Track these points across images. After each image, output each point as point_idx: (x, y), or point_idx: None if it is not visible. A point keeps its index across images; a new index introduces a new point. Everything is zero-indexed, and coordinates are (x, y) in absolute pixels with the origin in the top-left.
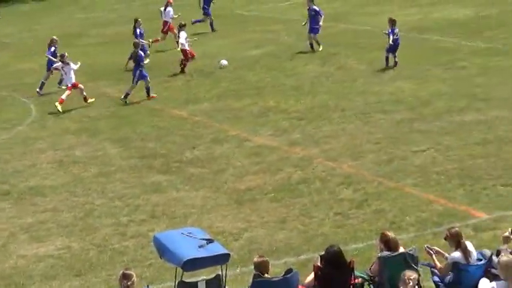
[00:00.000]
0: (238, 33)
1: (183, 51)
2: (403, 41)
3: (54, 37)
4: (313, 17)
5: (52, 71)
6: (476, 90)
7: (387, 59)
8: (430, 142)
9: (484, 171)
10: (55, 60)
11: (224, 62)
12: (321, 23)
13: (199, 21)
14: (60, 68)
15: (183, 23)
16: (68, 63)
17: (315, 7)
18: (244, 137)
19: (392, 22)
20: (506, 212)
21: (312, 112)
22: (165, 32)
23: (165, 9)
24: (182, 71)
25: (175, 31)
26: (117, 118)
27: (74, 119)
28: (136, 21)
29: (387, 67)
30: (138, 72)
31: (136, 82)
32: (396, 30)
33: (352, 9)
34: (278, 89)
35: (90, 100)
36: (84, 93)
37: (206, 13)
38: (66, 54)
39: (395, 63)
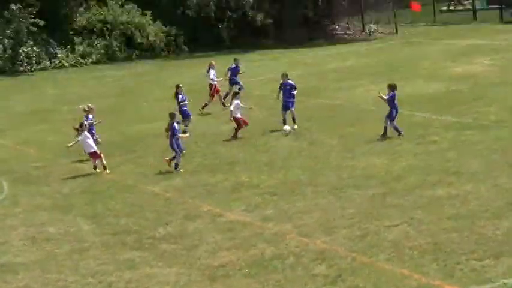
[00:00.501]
0: (210, 109)
1: (235, 119)
2: (375, 115)
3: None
4: (288, 91)
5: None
6: (448, 164)
7: (385, 128)
8: (403, 217)
9: (457, 245)
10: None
11: (287, 127)
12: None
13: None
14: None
15: (237, 90)
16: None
17: (290, 81)
18: (217, 213)
19: (393, 87)
20: (481, 287)
21: (284, 187)
22: (212, 95)
23: (208, 72)
24: (234, 137)
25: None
26: (90, 194)
27: (47, 195)
28: (178, 87)
29: (384, 137)
30: (174, 142)
31: (181, 150)
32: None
33: (325, 84)
34: (251, 164)
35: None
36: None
37: (235, 83)
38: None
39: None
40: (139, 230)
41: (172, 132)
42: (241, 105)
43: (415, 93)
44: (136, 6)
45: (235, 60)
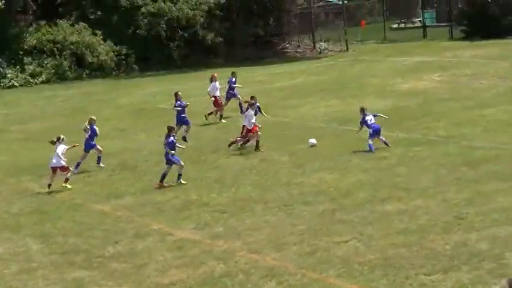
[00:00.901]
0: (160, 127)
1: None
2: (324, 132)
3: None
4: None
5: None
6: (397, 180)
7: (370, 146)
8: (353, 232)
9: (406, 260)
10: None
11: (312, 141)
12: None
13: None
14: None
15: (252, 101)
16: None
17: (257, 104)
18: (167, 231)
19: (363, 110)
20: None
21: (234, 205)
22: (220, 105)
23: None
24: (257, 148)
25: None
26: (39, 213)
27: None
28: (176, 94)
29: (372, 152)
30: (171, 157)
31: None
32: (368, 117)
33: (275, 101)
34: (201, 182)
35: None
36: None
37: (232, 95)
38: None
39: (385, 143)
40: (89, 249)
41: (171, 147)
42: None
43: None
44: (86, 25)
45: (232, 73)
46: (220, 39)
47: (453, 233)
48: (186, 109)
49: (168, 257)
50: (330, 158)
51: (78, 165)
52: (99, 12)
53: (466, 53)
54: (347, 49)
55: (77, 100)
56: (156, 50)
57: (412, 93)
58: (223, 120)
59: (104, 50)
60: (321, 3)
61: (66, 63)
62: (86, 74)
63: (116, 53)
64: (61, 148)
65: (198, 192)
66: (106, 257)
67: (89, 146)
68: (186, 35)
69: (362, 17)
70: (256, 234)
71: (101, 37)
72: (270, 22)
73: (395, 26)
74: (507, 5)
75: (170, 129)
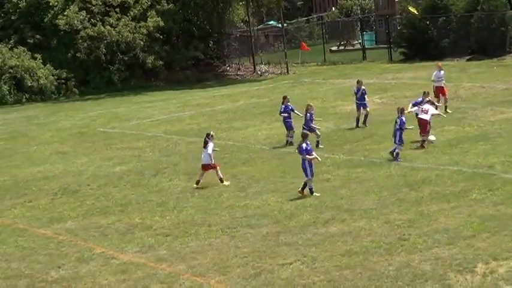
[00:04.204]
0: (101, 151)
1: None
2: (266, 154)
3: None
4: None
5: None
6: (340, 201)
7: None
8: (297, 254)
9: (350, 282)
10: None
11: (432, 137)
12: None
13: None
14: None
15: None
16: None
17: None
18: (111, 255)
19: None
20: None
21: (178, 228)
22: None
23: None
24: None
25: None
26: None
27: None
28: (285, 98)
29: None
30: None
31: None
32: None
33: (216, 124)
34: (143, 205)
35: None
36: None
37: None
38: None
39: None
40: (31, 274)
41: (305, 153)
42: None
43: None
44: (25, 49)
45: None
46: (161, 62)
47: (396, 254)
48: (292, 114)
49: (111, 280)
50: (273, 180)
51: None
52: (38, 36)
53: (406, 74)
54: (287, 71)
55: (17, 124)
56: (96, 74)
57: (354, 115)
58: None
59: (44, 73)
60: (261, 26)
61: (5, 87)
62: (26, 98)
63: (55, 77)
64: None
65: (141, 216)
66: (49, 281)
67: None
68: (126, 58)
69: (301, 39)
70: (200, 257)
71: (41, 61)
72: (210, 45)
73: (334, 48)
74: (445, 27)
75: (304, 136)
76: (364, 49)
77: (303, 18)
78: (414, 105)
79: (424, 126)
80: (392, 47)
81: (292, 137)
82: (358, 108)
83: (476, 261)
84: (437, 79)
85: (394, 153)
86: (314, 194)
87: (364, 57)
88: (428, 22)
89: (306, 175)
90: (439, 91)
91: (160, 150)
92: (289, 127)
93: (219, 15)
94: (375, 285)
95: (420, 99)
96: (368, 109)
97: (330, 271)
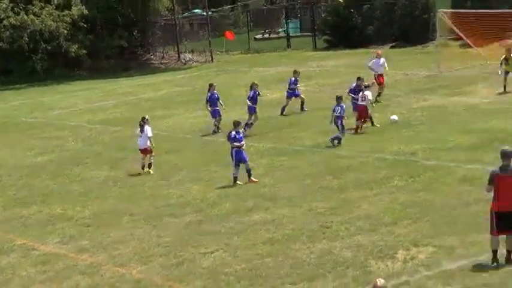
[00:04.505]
0: (23, 141)
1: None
2: (188, 144)
3: None
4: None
5: None
6: (263, 190)
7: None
8: (219, 243)
9: (272, 270)
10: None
11: (395, 117)
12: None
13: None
14: None
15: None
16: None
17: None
18: (31, 246)
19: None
20: None
21: (99, 218)
22: None
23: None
24: None
25: None
26: None
27: None
28: (211, 85)
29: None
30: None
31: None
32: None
33: (140, 113)
34: (65, 195)
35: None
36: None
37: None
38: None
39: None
40: None
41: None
42: None
43: (230, 120)
44: None
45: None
46: (84, 51)
47: (318, 241)
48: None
49: (32, 272)
50: (196, 169)
51: None
52: None
53: (330, 62)
54: (212, 60)
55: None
56: (19, 63)
57: (278, 103)
58: None
59: None
60: (185, 14)
61: None
62: None
63: None
64: None
65: (62, 206)
66: None
67: None
68: (49, 47)
69: (226, 27)
70: (122, 247)
71: None
72: (135, 33)
73: (259, 36)
74: (369, 15)
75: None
76: (288, 37)
77: (228, 6)
78: (351, 91)
79: (361, 112)
80: (316, 35)
81: (216, 125)
82: (289, 97)
83: (397, 247)
84: (377, 67)
85: (335, 140)
86: (237, 182)
87: (288, 45)
88: (352, 10)
89: (233, 163)
90: (379, 78)
91: (83, 139)
92: (216, 115)
93: (143, 3)
94: (297, 273)
95: (354, 84)
96: (302, 95)
97: (252, 259)
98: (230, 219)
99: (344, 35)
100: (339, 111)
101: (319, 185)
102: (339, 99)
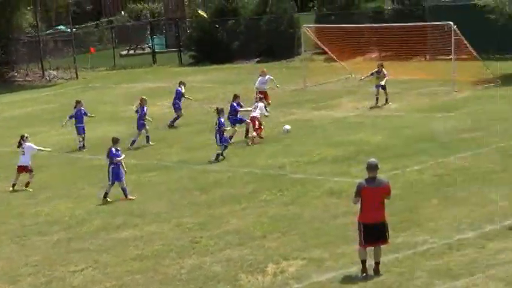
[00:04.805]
0: None
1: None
2: (55, 161)
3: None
4: None
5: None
6: (132, 206)
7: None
8: (88, 261)
9: (142, 286)
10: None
11: (287, 127)
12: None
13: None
14: None
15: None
16: None
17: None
18: None
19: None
20: None
21: None
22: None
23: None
24: None
25: None
26: None
27: None
28: (78, 102)
29: None
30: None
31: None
32: None
33: (6, 132)
34: None
35: None
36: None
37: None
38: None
39: None
40: None
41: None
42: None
43: (100, 136)
44: None
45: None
46: None
47: (188, 257)
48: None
49: None
50: (64, 186)
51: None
52: None
53: (196, 78)
54: (77, 77)
55: None
56: None
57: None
58: None
59: None
60: (49, 31)
61: None
62: None
63: None
64: None
65: None
66: None
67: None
68: None
69: (91, 44)
70: None
71: None
72: None
73: (124, 52)
74: (235, 30)
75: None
76: (154, 53)
77: (93, 23)
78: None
79: (253, 123)
80: (182, 51)
81: (81, 141)
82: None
83: (267, 261)
84: (261, 85)
85: (219, 155)
86: (107, 198)
87: (154, 61)
88: (217, 25)
89: (111, 180)
90: (264, 96)
91: None
92: (81, 131)
93: (7, 20)
94: None
95: (234, 103)
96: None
97: (122, 276)
98: (99, 236)
99: (209, 50)
100: (217, 125)
101: (187, 201)
102: (218, 112)
